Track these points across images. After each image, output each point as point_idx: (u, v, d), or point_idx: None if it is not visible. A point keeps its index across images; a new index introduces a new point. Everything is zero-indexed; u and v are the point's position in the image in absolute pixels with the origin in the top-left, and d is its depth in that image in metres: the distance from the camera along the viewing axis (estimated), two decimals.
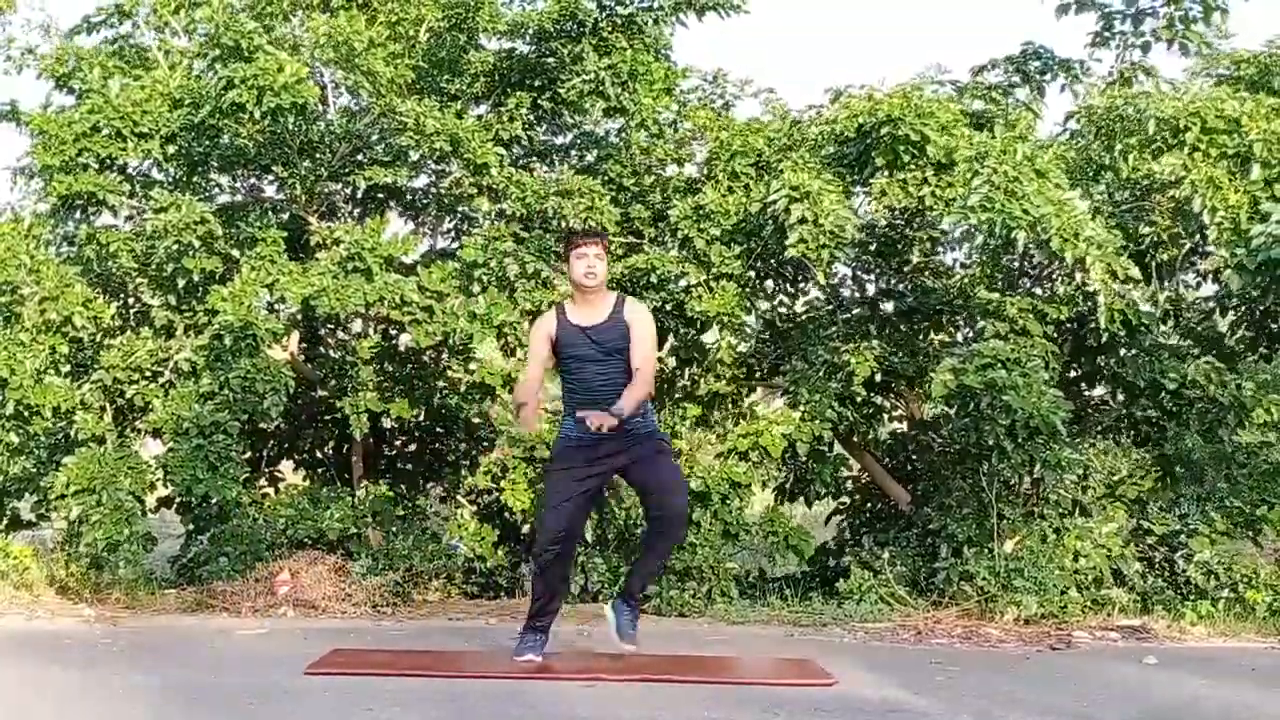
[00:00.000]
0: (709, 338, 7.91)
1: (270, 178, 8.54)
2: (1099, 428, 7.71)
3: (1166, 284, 7.73)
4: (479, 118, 8.30)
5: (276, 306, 8.01)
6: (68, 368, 7.71)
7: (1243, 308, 7.91)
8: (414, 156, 8.34)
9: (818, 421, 7.36)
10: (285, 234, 7.83)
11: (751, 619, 6.84)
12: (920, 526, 7.36)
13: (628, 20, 8.06)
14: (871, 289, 8.57)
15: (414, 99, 7.81)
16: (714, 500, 7.12)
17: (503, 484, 7.44)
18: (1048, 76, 8.56)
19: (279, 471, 9.13)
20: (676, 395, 8.22)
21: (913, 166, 7.29)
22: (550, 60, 8.33)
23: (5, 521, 8.27)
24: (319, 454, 9.25)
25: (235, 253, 7.83)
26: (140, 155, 8.02)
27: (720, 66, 8.68)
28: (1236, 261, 6.64)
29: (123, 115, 7.88)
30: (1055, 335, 7.53)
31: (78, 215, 8.00)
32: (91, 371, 7.73)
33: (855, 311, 8.24)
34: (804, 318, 8.32)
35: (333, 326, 8.87)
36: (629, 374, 5.22)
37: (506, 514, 7.80)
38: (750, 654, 5.88)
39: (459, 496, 8.51)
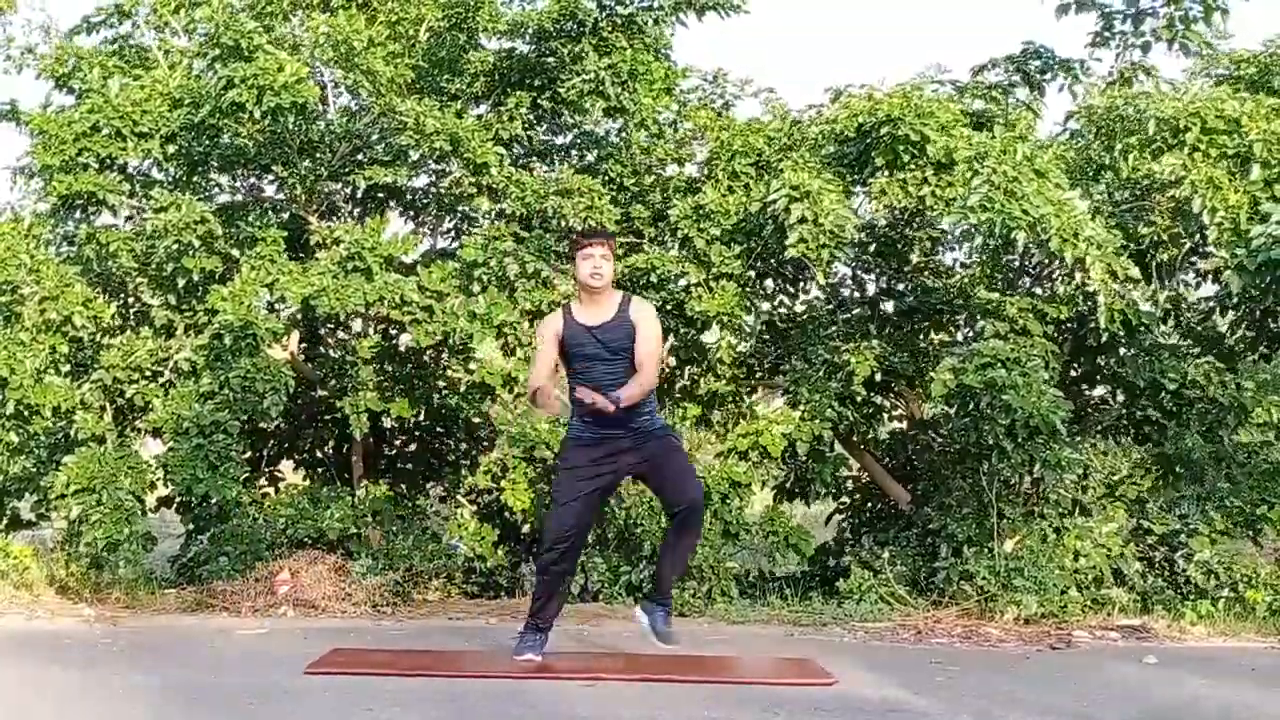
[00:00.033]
0: (709, 337, 7.91)
1: (270, 177, 8.54)
2: (1099, 427, 7.72)
3: (1166, 284, 7.74)
4: (479, 117, 8.30)
5: (276, 306, 8.01)
6: (68, 367, 7.71)
7: (1243, 308, 7.91)
8: (414, 156, 8.34)
9: (818, 421, 7.37)
10: (285, 234, 7.83)
11: (751, 619, 6.84)
12: (920, 526, 7.36)
13: (628, 20, 8.06)
14: (871, 289, 8.58)
15: (414, 98, 7.81)
16: (714, 500, 7.12)
17: (503, 484, 7.44)
18: (1048, 76, 8.56)
19: (279, 471, 9.13)
20: (676, 395, 8.22)
21: (913, 166, 7.29)
22: (550, 60, 8.33)
23: (5, 521, 8.27)
24: (319, 454, 9.25)
25: (235, 252, 7.83)
26: (140, 155, 8.03)
27: (720, 66, 8.70)
28: (1237, 262, 6.64)
29: (123, 115, 7.88)
30: (1055, 335, 7.54)
31: (78, 215, 8.01)
32: (91, 371, 7.73)
33: (855, 311, 8.25)
34: (804, 317, 8.32)
35: (333, 326, 8.87)
36: (635, 373, 5.23)
37: (506, 514, 7.81)
38: (750, 654, 5.88)
39: (459, 496, 8.51)
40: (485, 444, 8.86)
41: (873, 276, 8.57)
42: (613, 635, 6.25)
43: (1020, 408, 6.56)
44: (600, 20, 8.02)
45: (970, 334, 8.05)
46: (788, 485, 8.20)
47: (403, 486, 8.80)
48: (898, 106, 7.27)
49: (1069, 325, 7.71)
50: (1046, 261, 7.41)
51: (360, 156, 8.32)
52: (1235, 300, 7.71)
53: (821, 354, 7.64)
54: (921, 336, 8.30)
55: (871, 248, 8.21)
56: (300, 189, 8.14)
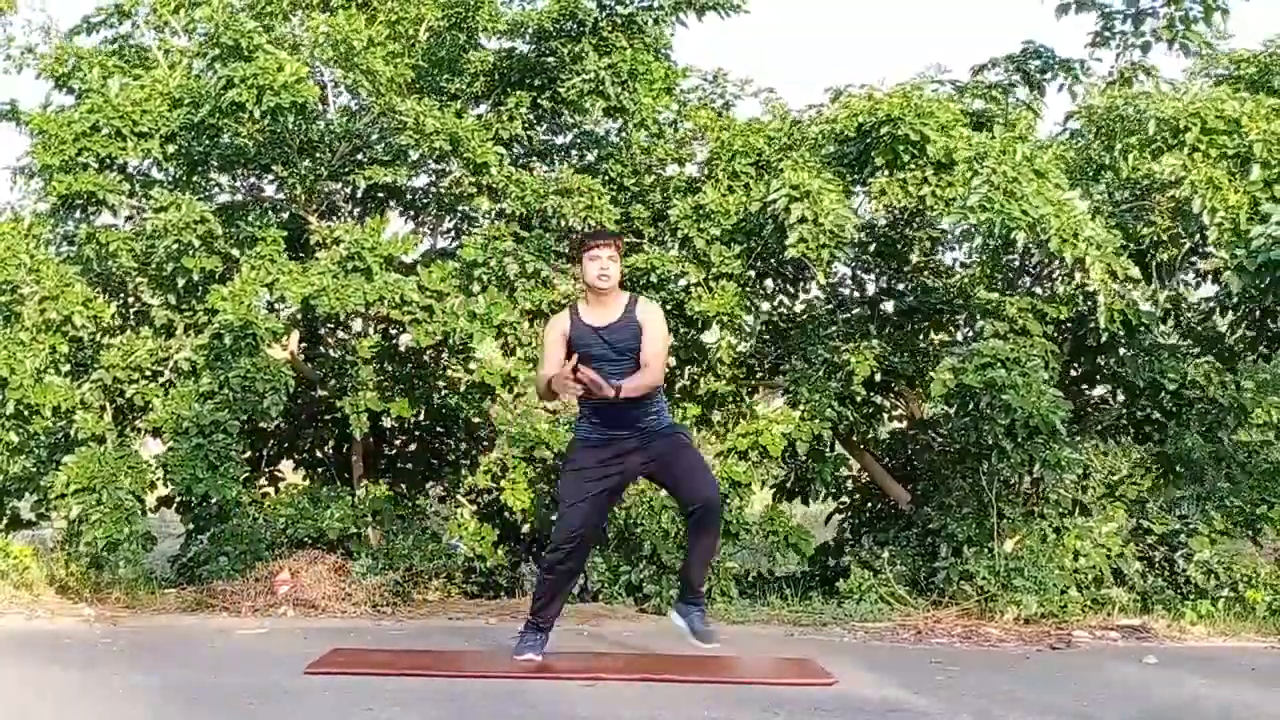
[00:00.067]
0: (709, 337, 7.91)
1: (270, 177, 8.54)
2: (1099, 427, 7.72)
3: (1166, 284, 7.74)
4: (479, 117, 8.30)
5: (276, 306, 8.01)
6: (68, 367, 7.71)
7: (1242, 308, 7.92)
8: (414, 156, 8.34)
9: (818, 421, 7.37)
10: (285, 233, 7.83)
11: (751, 618, 6.84)
12: (920, 526, 7.36)
13: (628, 20, 8.06)
14: (871, 289, 8.58)
15: (414, 98, 7.81)
16: None
17: (503, 484, 7.44)
18: (1048, 76, 8.56)
19: (279, 471, 9.14)
20: (676, 395, 8.22)
21: (913, 166, 7.29)
22: (550, 60, 8.33)
23: (5, 521, 8.27)
24: (319, 454, 9.25)
25: (235, 252, 7.83)
26: (140, 155, 8.03)
27: (720, 66, 8.70)
28: (1236, 263, 6.64)
29: (122, 115, 7.88)
30: (1055, 335, 7.54)
31: (78, 215, 8.01)
32: (91, 371, 7.73)
33: (855, 311, 8.25)
34: (804, 317, 8.32)
35: (333, 326, 8.87)
36: None
37: (506, 514, 7.80)
38: (750, 653, 5.87)
39: (459, 496, 8.50)
40: (485, 444, 8.86)
41: (873, 276, 8.57)
42: (613, 635, 6.25)
43: (1020, 408, 6.56)
44: (600, 20, 8.02)
45: (970, 334, 8.05)
46: (788, 485, 8.20)
47: (403, 486, 8.80)
48: (898, 106, 7.27)
49: (1069, 325, 7.71)
50: (1046, 261, 7.41)
51: (360, 156, 8.32)
52: (1235, 300, 7.71)
53: (821, 354, 7.64)
54: (921, 336, 8.30)
55: (871, 248, 8.21)
56: (300, 189, 8.14)
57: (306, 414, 8.91)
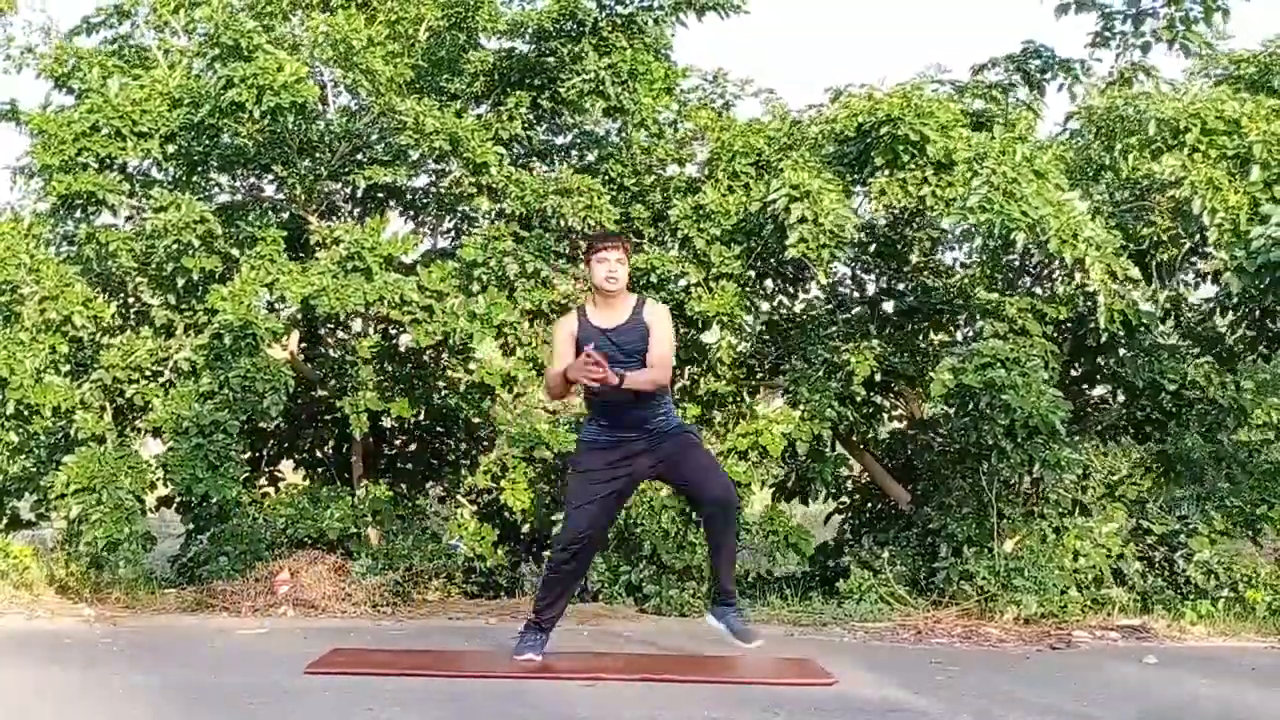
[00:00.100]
0: (709, 337, 7.91)
1: (270, 177, 8.54)
2: (1099, 427, 7.72)
3: (1166, 284, 7.74)
4: (479, 117, 8.30)
5: (276, 306, 8.01)
6: (68, 367, 7.71)
7: (1243, 308, 7.92)
8: (414, 156, 8.34)
9: (817, 421, 7.37)
10: (285, 233, 7.83)
11: (751, 619, 6.82)
12: (920, 526, 7.36)
13: (628, 20, 8.06)
14: (871, 289, 8.58)
15: (413, 98, 7.81)
16: None
17: (502, 484, 7.44)
18: (1048, 76, 8.56)
19: (279, 471, 9.14)
20: (676, 395, 8.21)
21: (912, 166, 7.29)
22: (550, 60, 8.33)
23: (5, 521, 8.27)
24: (319, 454, 9.25)
25: (235, 252, 7.83)
26: (140, 155, 8.03)
27: (720, 66, 8.70)
28: (1236, 264, 6.64)
29: (122, 115, 7.88)
30: (1055, 335, 7.54)
31: (77, 215, 8.00)
32: (91, 371, 7.73)
33: (855, 311, 8.25)
34: (804, 317, 8.32)
35: (333, 326, 8.87)
36: None
37: (506, 514, 7.80)
38: (750, 653, 5.87)
39: (459, 496, 8.51)
40: (485, 444, 8.86)
41: (873, 276, 8.57)
42: (613, 635, 6.25)
43: (1020, 408, 6.56)
44: (600, 20, 8.02)
45: (970, 334, 8.05)
46: (787, 485, 8.20)
47: (403, 486, 8.80)
48: (897, 106, 7.27)
49: (1069, 325, 7.71)
50: (1046, 262, 7.41)
51: (360, 156, 8.32)
52: (1235, 301, 7.72)
53: (821, 354, 7.64)
54: (921, 336, 8.30)
55: (871, 248, 8.21)
56: (300, 189, 8.14)
57: (306, 414, 8.91)
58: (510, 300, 7.55)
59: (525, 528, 8.04)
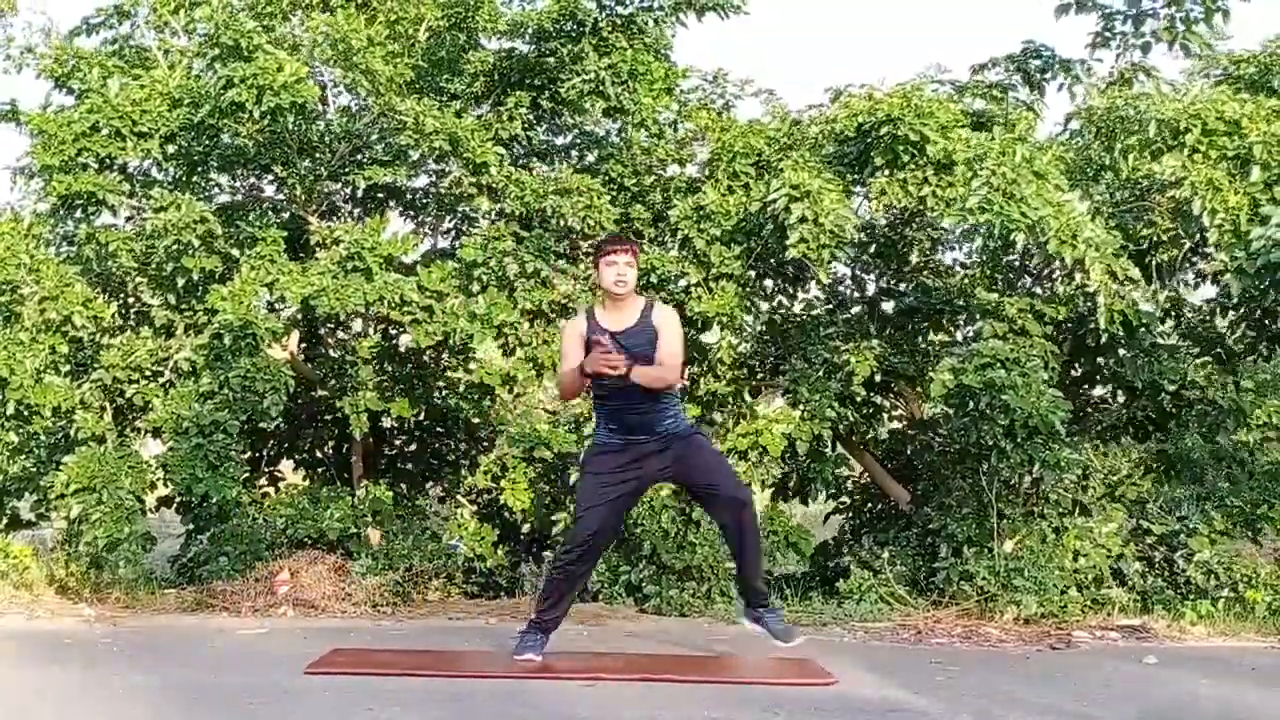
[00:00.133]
0: (709, 338, 7.92)
1: (270, 177, 8.54)
2: (1099, 427, 7.72)
3: (1166, 284, 7.74)
4: (479, 117, 8.30)
5: (276, 306, 8.01)
6: (68, 367, 7.72)
7: (1243, 308, 7.92)
8: (414, 156, 8.34)
9: (817, 421, 7.37)
10: (285, 233, 7.84)
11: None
12: (920, 526, 7.36)
13: (628, 20, 8.07)
14: (871, 289, 8.58)
15: (413, 98, 7.81)
16: None
17: (502, 484, 7.44)
18: (1048, 76, 8.56)
19: (279, 471, 9.14)
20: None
21: (912, 166, 7.29)
22: (550, 60, 8.33)
23: (5, 521, 8.27)
24: (319, 454, 9.26)
25: (235, 252, 7.84)
26: (140, 155, 8.03)
27: (720, 66, 8.70)
28: (1236, 264, 6.64)
29: (122, 115, 7.88)
30: (1055, 335, 7.54)
31: (77, 215, 8.00)
32: (91, 371, 7.74)
33: (855, 311, 8.25)
34: (804, 317, 8.32)
35: (333, 326, 8.87)
36: None
37: (506, 514, 7.81)
38: (750, 653, 5.87)
39: (459, 496, 8.51)
40: (485, 444, 8.86)
41: (872, 276, 8.57)
42: (613, 635, 6.25)
43: (1020, 408, 6.56)
44: (600, 20, 8.02)
45: (970, 334, 8.05)
46: (788, 485, 8.20)
47: (403, 486, 8.80)
48: (897, 106, 7.27)
49: (1069, 325, 7.71)
50: (1046, 262, 7.41)
51: (360, 156, 8.32)
52: (1235, 301, 7.72)
53: (821, 354, 7.64)
54: (921, 336, 8.30)
55: (871, 248, 8.21)
56: (300, 189, 8.14)
57: (306, 414, 8.91)
58: (510, 300, 7.55)
59: (525, 528, 8.04)
